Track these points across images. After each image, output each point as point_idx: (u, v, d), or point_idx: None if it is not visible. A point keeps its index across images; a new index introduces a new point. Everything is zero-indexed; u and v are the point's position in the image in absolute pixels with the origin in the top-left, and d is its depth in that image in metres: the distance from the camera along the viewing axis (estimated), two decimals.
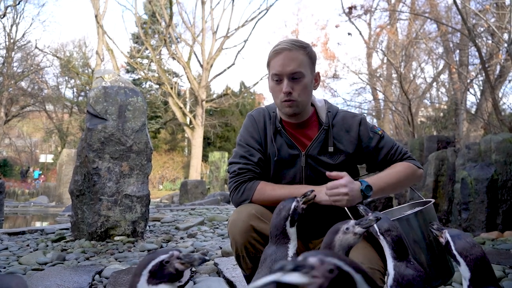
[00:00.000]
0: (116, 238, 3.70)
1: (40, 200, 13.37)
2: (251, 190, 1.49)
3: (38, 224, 7.23)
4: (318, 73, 1.59)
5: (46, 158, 29.78)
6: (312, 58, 1.53)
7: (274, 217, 1.28)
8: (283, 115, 1.58)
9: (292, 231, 1.26)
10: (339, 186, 1.35)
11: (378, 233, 1.17)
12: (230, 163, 1.59)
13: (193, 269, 2.50)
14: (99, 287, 2.19)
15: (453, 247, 1.05)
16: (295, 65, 1.46)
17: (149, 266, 0.96)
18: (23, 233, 4.39)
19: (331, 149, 1.52)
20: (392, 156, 1.57)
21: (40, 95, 25.90)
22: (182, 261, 0.97)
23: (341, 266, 0.63)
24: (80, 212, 3.80)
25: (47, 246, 3.63)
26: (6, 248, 3.54)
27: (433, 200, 1.37)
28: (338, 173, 1.39)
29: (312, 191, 1.28)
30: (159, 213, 6.32)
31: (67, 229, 4.43)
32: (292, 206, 1.27)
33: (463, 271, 1.03)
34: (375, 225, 1.18)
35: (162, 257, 0.96)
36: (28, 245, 3.72)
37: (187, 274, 2.34)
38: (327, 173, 1.40)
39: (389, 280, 1.13)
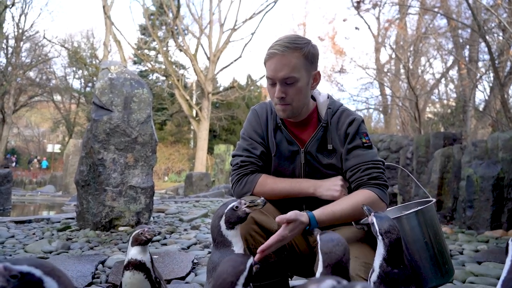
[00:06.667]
0: (121, 228, 3.74)
1: (47, 189, 13.53)
2: (253, 183, 1.49)
3: (44, 213, 7.32)
4: (318, 72, 1.51)
5: (53, 148, 30.06)
6: (309, 58, 1.43)
7: (213, 217, 1.22)
8: None
9: (231, 234, 1.17)
10: (271, 246, 1.24)
11: (378, 233, 1.15)
12: (233, 156, 1.60)
13: (195, 261, 2.52)
14: (102, 277, 2.22)
15: None
16: (287, 71, 1.39)
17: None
18: (30, 221, 4.45)
19: (330, 146, 1.49)
20: (359, 172, 1.43)
21: (48, 85, 26.07)
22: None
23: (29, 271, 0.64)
24: (85, 202, 3.83)
25: (53, 235, 3.68)
26: (13, 236, 3.60)
27: (434, 200, 1.35)
28: (282, 218, 1.24)
29: (265, 201, 1.21)
30: (163, 205, 6.36)
31: (72, 218, 4.48)
32: (230, 206, 1.19)
33: None
34: (376, 226, 1.15)
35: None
36: (34, 234, 3.77)
37: (188, 266, 2.36)
38: (276, 220, 1.24)
39: (373, 276, 1.12)
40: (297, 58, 1.41)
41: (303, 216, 1.29)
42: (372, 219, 1.19)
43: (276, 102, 1.46)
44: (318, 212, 1.33)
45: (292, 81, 1.41)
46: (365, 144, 1.47)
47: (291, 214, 1.26)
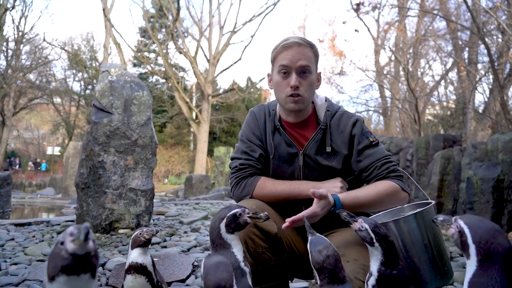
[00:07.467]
0: (120, 231, 3.74)
1: (47, 192, 13.50)
2: (252, 186, 1.50)
3: (44, 216, 7.32)
4: (320, 73, 1.59)
5: (53, 150, 30.05)
6: (317, 57, 1.54)
7: (213, 218, 1.22)
8: (284, 112, 1.57)
9: (230, 238, 1.17)
10: (294, 222, 1.29)
11: (374, 240, 1.12)
12: (232, 159, 1.61)
13: (195, 263, 2.52)
14: (102, 279, 2.22)
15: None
16: (305, 60, 1.47)
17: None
18: (30, 224, 4.45)
19: (328, 149, 1.50)
20: (376, 169, 1.46)
21: (48, 87, 26.06)
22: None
23: None
24: (85, 204, 3.83)
25: (53, 237, 3.67)
26: (13, 239, 3.60)
27: (433, 202, 1.36)
28: (315, 192, 1.29)
29: (267, 217, 1.22)
30: (163, 207, 6.36)
31: (72, 221, 4.48)
32: (233, 212, 1.19)
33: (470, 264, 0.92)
34: (371, 233, 1.13)
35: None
36: (34, 236, 3.77)
37: (188, 268, 2.36)
38: (310, 191, 1.29)
39: (371, 280, 1.12)
40: (310, 52, 1.50)
41: (329, 196, 1.32)
42: (363, 225, 1.14)
43: (289, 93, 1.49)
44: (343, 195, 1.37)
45: (308, 70, 1.48)
46: (373, 143, 1.50)
47: (324, 190, 1.31)
